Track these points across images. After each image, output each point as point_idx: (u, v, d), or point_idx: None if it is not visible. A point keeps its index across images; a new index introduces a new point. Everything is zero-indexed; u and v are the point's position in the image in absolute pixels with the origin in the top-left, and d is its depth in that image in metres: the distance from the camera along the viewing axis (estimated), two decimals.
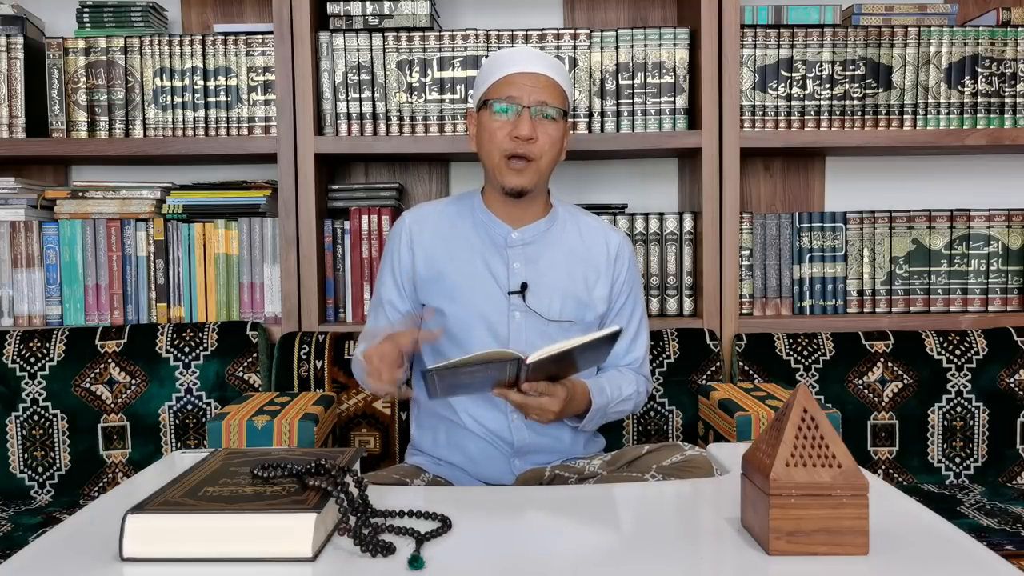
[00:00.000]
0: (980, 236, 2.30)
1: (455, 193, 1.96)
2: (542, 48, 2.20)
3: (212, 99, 2.21)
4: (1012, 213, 2.30)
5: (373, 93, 2.20)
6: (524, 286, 1.63)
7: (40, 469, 2.06)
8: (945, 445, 2.13)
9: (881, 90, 2.23)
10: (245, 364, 2.10)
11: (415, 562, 0.91)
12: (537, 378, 1.46)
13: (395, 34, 2.19)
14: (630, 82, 2.21)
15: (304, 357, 2.09)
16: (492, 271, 1.66)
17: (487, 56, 2.14)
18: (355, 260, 2.24)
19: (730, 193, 2.19)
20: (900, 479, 2.12)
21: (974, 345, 2.16)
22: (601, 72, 2.21)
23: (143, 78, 2.21)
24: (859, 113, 2.23)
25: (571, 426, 1.66)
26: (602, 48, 2.21)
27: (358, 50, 2.19)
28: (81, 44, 2.21)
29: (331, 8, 2.19)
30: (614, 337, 1.47)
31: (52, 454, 2.06)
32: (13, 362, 2.07)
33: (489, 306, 1.64)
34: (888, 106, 2.23)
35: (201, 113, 2.21)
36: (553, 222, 1.71)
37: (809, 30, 2.21)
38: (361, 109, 2.20)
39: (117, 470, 2.07)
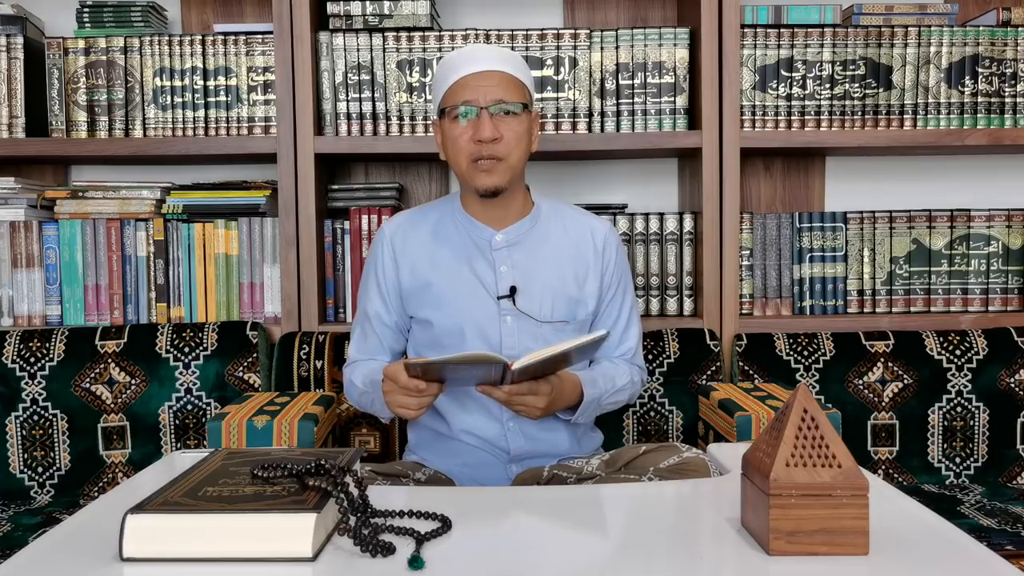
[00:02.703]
0: (980, 236, 2.30)
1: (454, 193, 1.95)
2: (542, 48, 2.20)
3: (212, 99, 2.21)
4: (1012, 213, 2.30)
5: (373, 93, 2.20)
6: (513, 290, 1.61)
7: (40, 469, 2.06)
8: (945, 445, 2.13)
9: (881, 90, 2.23)
10: (245, 364, 2.10)
11: (415, 562, 0.91)
12: (522, 379, 1.44)
13: (395, 34, 2.19)
14: (630, 82, 2.21)
15: (304, 357, 2.09)
16: (479, 276, 1.63)
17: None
18: (355, 260, 2.24)
19: (730, 193, 2.19)
20: (900, 479, 2.11)
21: (974, 345, 2.16)
22: (601, 72, 2.21)
23: (143, 78, 2.21)
24: (859, 113, 2.23)
25: (563, 419, 1.64)
26: (602, 48, 2.21)
27: (358, 50, 2.19)
28: (81, 44, 2.20)
29: (331, 8, 2.19)
30: (601, 341, 1.45)
31: (52, 454, 2.06)
32: (13, 362, 2.07)
33: (479, 312, 1.62)
34: (888, 106, 2.23)
35: (201, 113, 2.21)
36: (537, 220, 1.68)
37: (809, 30, 2.21)
38: (361, 109, 2.20)
39: (117, 470, 2.07)
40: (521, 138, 1.59)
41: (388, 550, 0.94)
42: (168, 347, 2.10)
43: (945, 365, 2.14)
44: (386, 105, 2.21)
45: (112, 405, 2.07)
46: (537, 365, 1.40)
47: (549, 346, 1.43)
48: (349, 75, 2.20)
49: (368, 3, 2.19)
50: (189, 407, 2.08)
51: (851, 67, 2.22)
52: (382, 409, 1.59)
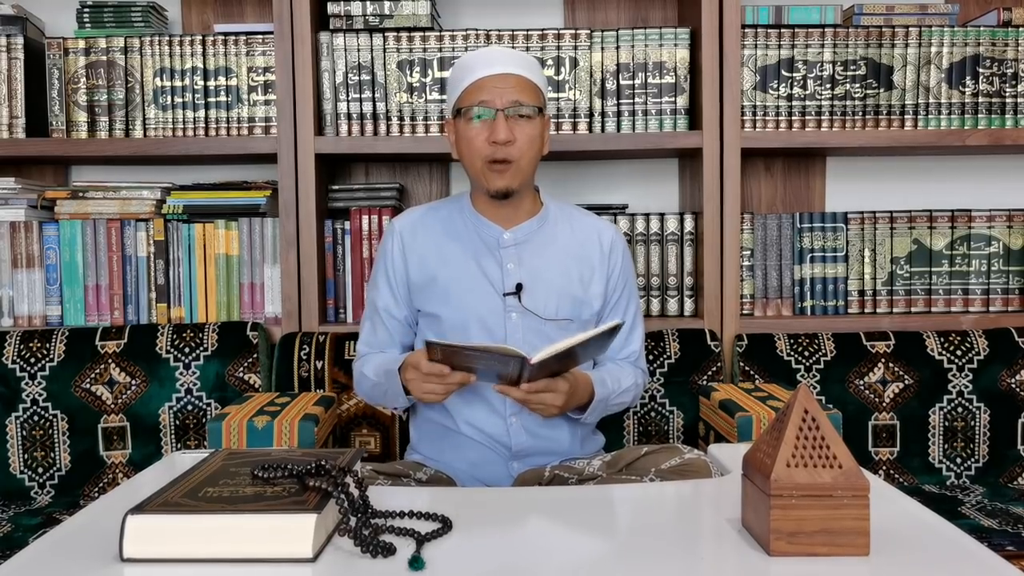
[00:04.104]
0: (981, 236, 2.30)
1: (455, 193, 1.96)
2: (542, 49, 2.19)
3: (212, 99, 2.21)
4: (1013, 213, 2.30)
5: (373, 93, 2.20)
6: (519, 287, 1.63)
7: (40, 470, 2.06)
8: (946, 446, 2.13)
9: (882, 90, 2.23)
10: (245, 364, 2.10)
11: (415, 563, 0.91)
12: (539, 376, 1.45)
13: (395, 34, 2.19)
14: (631, 82, 2.21)
15: (304, 357, 2.09)
16: (486, 273, 1.65)
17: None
18: (355, 260, 2.24)
19: (731, 193, 2.19)
20: (901, 480, 2.11)
21: (975, 345, 2.16)
22: (602, 72, 2.21)
23: (143, 78, 2.21)
24: (860, 113, 2.23)
25: (573, 417, 1.65)
26: (603, 48, 2.21)
27: (358, 50, 2.19)
28: (81, 44, 2.20)
29: (331, 8, 2.19)
30: (615, 330, 1.46)
31: (52, 454, 2.06)
32: (13, 362, 2.07)
33: (485, 308, 1.63)
34: (889, 106, 2.23)
35: (201, 113, 2.21)
36: (545, 221, 1.70)
37: (810, 30, 2.21)
38: (361, 109, 2.20)
39: (117, 471, 2.07)
40: (534, 141, 1.61)
41: (388, 551, 0.94)
42: (168, 347, 2.10)
43: (946, 365, 2.14)
44: (386, 105, 2.21)
45: (112, 405, 2.07)
46: (554, 359, 1.40)
47: (560, 342, 1.43)
48: (349, 75, 2.19)
49: (368, 3, 2.19)
50: (189, 407, 2.08)
51: (852, 67, 2.22)
52: (395, 398, 1.60)
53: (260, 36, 2.20)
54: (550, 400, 1.48)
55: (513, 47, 2.18)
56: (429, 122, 2.21)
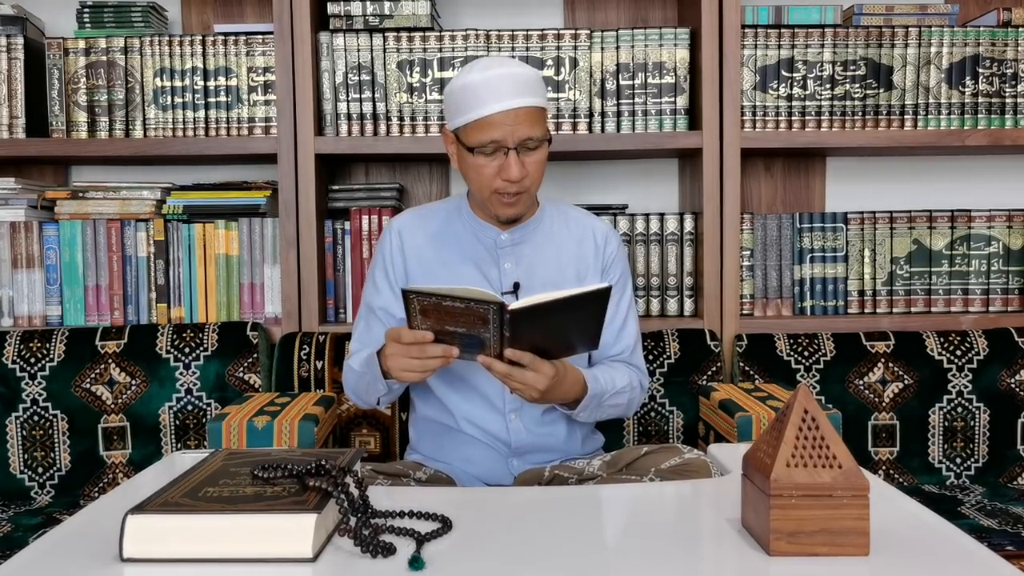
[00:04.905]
0: (981, 236, 2.30)
1: (455, 194, 1.96)
2: (542, 49, 2.19)
3: (212, 99, 2.21)
4: (1013, 213, 2.30)
5: (373, 93, 2.20)
6: (517, 286, 1.63)
7: (40, 469, 2.06)
8: (946, 446, 2.13)
9: (882, 90, 2.23)
10: (245, 364, 2.10)
11: (415, 563, 0.91)
12: (523, 347, 1.40)
13: (395, 34, 2.19)
14: (630, 82, 2.21)
15: (304, 357, 2.09)
16: (484, 272, 1.66)
17: (466, 64, 2.03)
18: (356, 261, 2.24)
19: (731, 193, 2.19)
20: (901, 480, 2.11)
21: (975, 345, 2.16)
22: (601, 72, 2.21)
23: (143, 78, 2.21)
24: (860, 113, 2.23)
25: (564, 412, 1.64)
26: (602, 48, 2.21)
27: (358, 50, 2.19)
28: (81, 44, 2.21)
29: (331, 8, 2.19)
30: (604, 301, 1.40)
31: (52, 454, 2.06)
32: (13, 362, 2.07)
33: None
34: (889, 106, 2.23)
35: (201, 113, 2.21)
36: (541, 220, 1.71)
37: (810, 30, 2.21)
38: (361, 109, 2.20)
39: (117, 470, 2.07)
40: (541, 165, 1.60)
41: (388, 551, 0.94)
42: (168, 347, 2.10)
43: (946, 365, 2.14)
44: (386, 105, 2.21)
45: (112, 405, 2.07)
46: (539, 309, 1.35)
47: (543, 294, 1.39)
48: (349, 75, 2.20)
49: (368, 3, 2.19)
50: (189, 407, 2.08)
51: (852, 67, 2.22)
52: (374, 383, 1.57)
53: (260, 36, 2.20)
54: (531, 380, 1.42)
55: (513, 47, 2.18)
56: (429, 122, 2.21)
